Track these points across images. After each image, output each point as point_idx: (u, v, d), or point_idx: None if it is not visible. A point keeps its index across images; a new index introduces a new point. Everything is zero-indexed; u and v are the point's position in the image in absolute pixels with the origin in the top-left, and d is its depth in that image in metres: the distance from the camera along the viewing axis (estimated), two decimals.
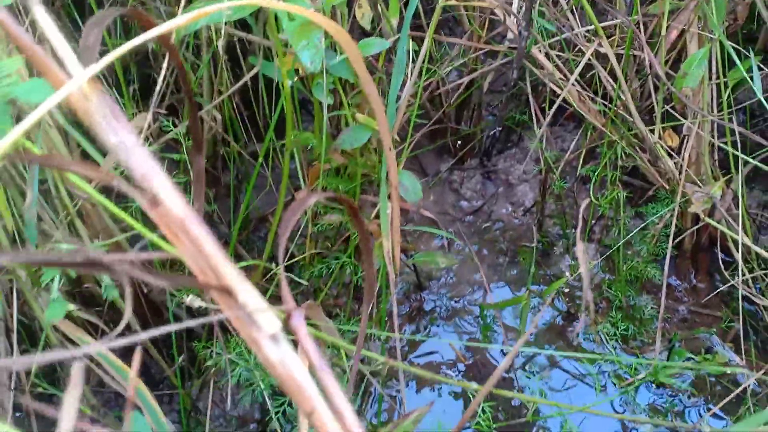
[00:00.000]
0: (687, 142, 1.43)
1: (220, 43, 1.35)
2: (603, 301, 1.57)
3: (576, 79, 1.43)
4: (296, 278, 1.26)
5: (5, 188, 1.05)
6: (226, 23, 1.22)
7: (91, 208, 1.22)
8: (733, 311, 1.53)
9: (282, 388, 0.48)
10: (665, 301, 1.46)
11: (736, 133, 1.38)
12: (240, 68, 1.50)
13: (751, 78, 1.28)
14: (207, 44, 1.33)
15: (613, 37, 1.45)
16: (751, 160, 1.32)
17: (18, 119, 0.84)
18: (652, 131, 1.43)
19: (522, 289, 1.64)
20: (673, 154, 1.46)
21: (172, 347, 1.28)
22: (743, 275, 1.38)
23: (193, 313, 1.29)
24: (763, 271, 1.43)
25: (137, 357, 0.46)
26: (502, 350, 1.53)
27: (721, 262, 1.54)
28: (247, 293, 0.50)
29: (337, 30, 0.93)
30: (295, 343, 0.53)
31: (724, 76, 1.40)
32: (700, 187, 1.41)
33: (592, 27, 1.42)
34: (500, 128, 1.72)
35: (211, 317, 0.50)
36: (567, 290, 1.61)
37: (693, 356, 1.46)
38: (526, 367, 1.53)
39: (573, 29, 1.45)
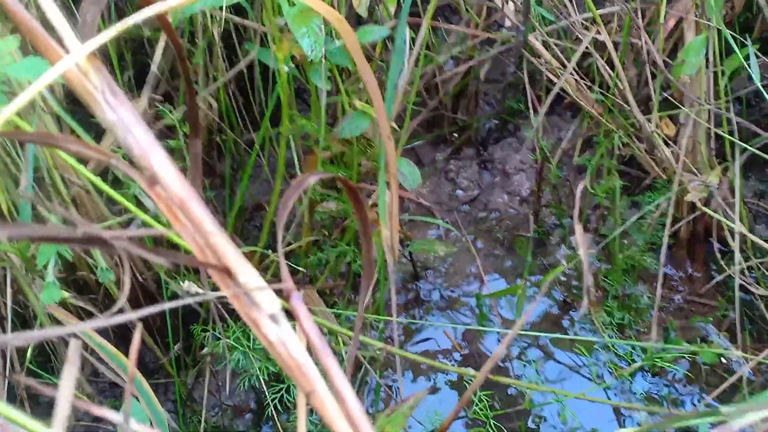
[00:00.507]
0: (684, 130, 1.43)
1: (216, 30, 1.34)
2: (599, 290, 1.57)
3: (573, 68, 1.42)
4: (294, 266, 1.26)
5: None
6: (221, 8, 1.21)
7: (86, 194, 1.21)
8: (729, 300, 1.53)
9: (282, 369, 0.47)
10: (661, 290, 1.46)
11: (734, 122, 1.38)
12: (236, 55, 1.49)
13: (749, 66, 1.28)
14: (202, 31, 1.32)
15: (611, 25, 1.44)
16: (749, 147, 1.32)
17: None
18: (649, 120, 1.42)
19: (518, 279, 1.64)
20: (670, 143, 1.46)
21: (167, 336, 1.27)
22: (737, 263, 1.38)
23: (193, 305, 1.28)
24: (759, 260, 1.44)
25: (137, 336, 0.45)
26: (498, 339, 1.53)
27: (716, 251, 1.54)
28: (247, 273, 0.50)
29: (336, 18, 0.92)
30: (294, 326, 0.52)
31: (721, 65, 1.40)
32: (696, 176, 1.41)
33: (590, 15, 1.42)
34: (493, 125, 1.72)
35: (208, 297, 0.49)
36: (563, 279, 1.61)
37: (689, 345, 1.46)
38: (522, 357, 1.53)
39: (571, 17, 1.44)
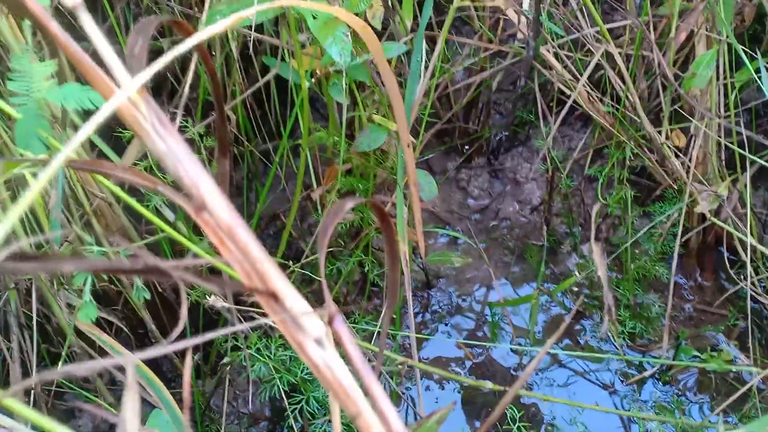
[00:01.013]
0: (694, 142, 1.45)
1: (234, 45, 1.36)
2: (612, 306, 1.58)
3: (585, 81, 1.44)
4: (311, 275, 1.28)
5: (20, 188, 1.06)
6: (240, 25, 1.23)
7: (107, 206, 1.22)
8: (739, 310, 1.55)
9: (328, 391, 0.49)
10: (672, 299, 1.48)
11: (743, 133, 1.40)
12: (252, 67, 1.50)
13: (760, 79, 1.30)
14: (220, 45, 1.34)
15: (622, 38, 1.46)
16: (758, 160, 1.33)
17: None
18: (659, 132, 1.44)
19: (528, 287, 1.66)
20: (680, 154, 1.47)
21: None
22: (744, 270, 1.40)
23: (211, 314, 1.30)
24: (766, 264, 1.46)
25: (189, 361, 0.47)
26: (511, 349, 1.55)
27: (726, 260, 1.55)
28: (293, 297, 0.51)
29: (360, 25, 0.94)
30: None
31: (731, 77, 1.41)
32: (707, 186, 1.43)
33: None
34: (504, 135, 1.74)
35: (259, 321, 0.51)
36: (575, 288, 1.63)
37: (699, 354, 1.48)
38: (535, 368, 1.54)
39: (582, 29, 1.46)
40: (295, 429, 1.27)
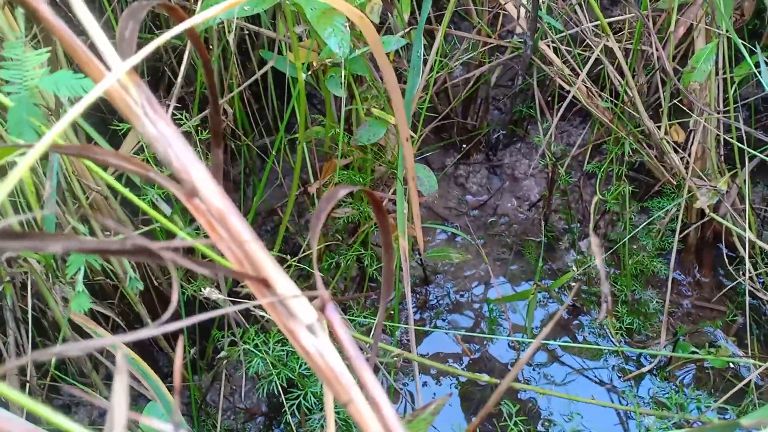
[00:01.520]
0: (693, 137, 1.44)
1: (231, 38, 1.35)
2: (609, 295, 1.58)
3: (585, 77, 1.44)
4: (309, 269, 1.27)
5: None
6: (237, 17, 1.22)
7: (102, 199, 1.22)
8: (737, 306, 1.54)
9: (320, 378, 0.49)
10: (670, 295, 1.47)
11: (742, 128, 1.39)
12: (249, 61, 1.50)
13: (760, 73, 1.29)
14: (217, 38, 1.33)
15: (621, 33, 1.46)
16: (758, 154, 1.33)
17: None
18: (658, 127, 1.44)
19: (526, 284, 1.65)
20: (679, 150, 1.47)
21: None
22: (742, 266, 1.39)
23: (206, 305, 1.30)
24: (764, 259, 1.45)
25: (180, 345, 0.46)
26: (509, 344, 1.54)
27: (725, 256, 1.55)
28: (284, 284, 0.51)
29: (357, 15, 0.93)
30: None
31: (731, 72, 1.41)
32: (705, 181, 1.42)
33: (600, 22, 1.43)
34: (503, 131, 1.73)
35: (245, 305, 0.51)
36: (573, 284, 1.62)
37: (697, 350, 1.47)
38: (531, 361, 1.54)
39: (581, 24, 1.45)
40: (292, 424, 1.26)
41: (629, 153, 1.47)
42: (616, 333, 1.49)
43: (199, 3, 0.99)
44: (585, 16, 1.49)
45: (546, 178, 1.66)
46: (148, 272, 1.30)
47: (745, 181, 1.41)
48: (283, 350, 1.07)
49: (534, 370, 1.52)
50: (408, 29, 1.34)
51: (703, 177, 1.44)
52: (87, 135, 1.33)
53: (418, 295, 1.64)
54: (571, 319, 1.58)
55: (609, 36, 1.35)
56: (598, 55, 1.43)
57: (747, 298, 1.36)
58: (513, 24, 1.57)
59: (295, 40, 1.03)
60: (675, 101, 1.48)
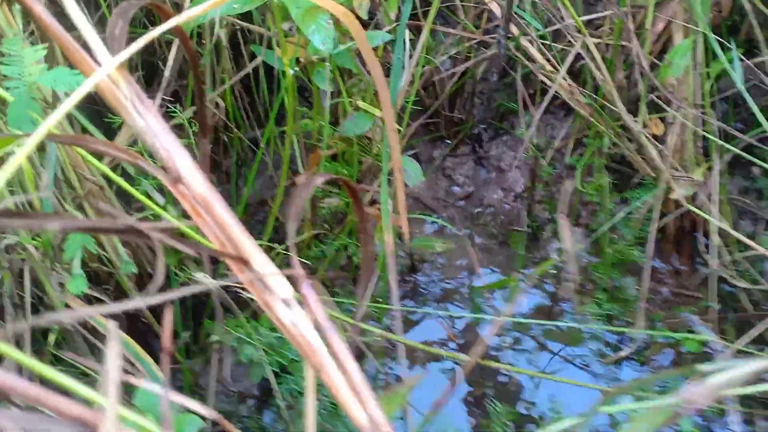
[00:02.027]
0: (671, 130, 1.49)
1: (223, 33, 1.39)
2: (589, 283, 1.63)
3: (565, 74, 1.48)
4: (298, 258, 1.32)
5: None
6: (228, 15, 1.26)
7: (98, 189, 1.26)
8: (717, 294, 1.59)
9: (294, 347, 0.53)
10: (648, 282, 1.52)
11: (717, 122, 1.44)
12: (241, 56, 1.54)
13: (733, 69, 1.34)
14: (210, 33, 1.38)
15: (602, 28, 1.50)
16: (732, 148, 1.38)
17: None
18: (637, 121, 1.48)
19: (512, 272, 1.70)
20: (657, 144, 1.52)
21: (174, 326, 1.33)
22: (721, 258, 1.44)
23: (201, 296, 1.34)
24: (743, 255, 1.50)
25: (168, 316, 0.51)
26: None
27: (702, 245, 1.60)
28: (262, 262, 0.56)
29: (342, 12, 0.97)
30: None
31: (708, 67, 1.45)
32: (683, 173, 1.47)
33: (583, 18, 1.48)
34: (485, 126, 1.78)
35: (225, 283, 0.55)
36: (555, 273, 1.67)
37: (674, 335, 1.53)
38: (515, 347, 1.59)
39: (564, 20, 1.50)
40: (283, 407, 1.31)
41: (609, 146, 1.52)
42: (596, 319, 1.54)
43: (187, 1, 1.04)
44: (568, 11, 1.53)
45: (530, 170, 1.71)
46: (142, 260, 1.35)
47: (716, 171, 1.46)
48: (274, 336, 1.12)
49: (517, 353, 1.57)
50: (395, 25, 1.39)
51: (681, 169, 1.49)
52: (83, 127, 1.37)
53: (405, 284, 1.69)
54: (553, 306, 1.63)
55: (584, 34, 1.40)
56: (579, 51, 1.47)
57: (715, 284, 1.41)
58: (498, 20, 1.61)
59: (282, 35, 1.07)
60: (655, 96, 1.53)
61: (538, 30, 1.49)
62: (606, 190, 1.52)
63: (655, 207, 1.50)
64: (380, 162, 1.34)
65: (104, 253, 1.23)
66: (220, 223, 0.55)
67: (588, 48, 1.46)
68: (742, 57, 1.46)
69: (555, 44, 1.59)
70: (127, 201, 1.42)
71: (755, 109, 1.31)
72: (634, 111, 1.53)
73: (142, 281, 1.38)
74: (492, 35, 1.61)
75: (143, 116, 0.56)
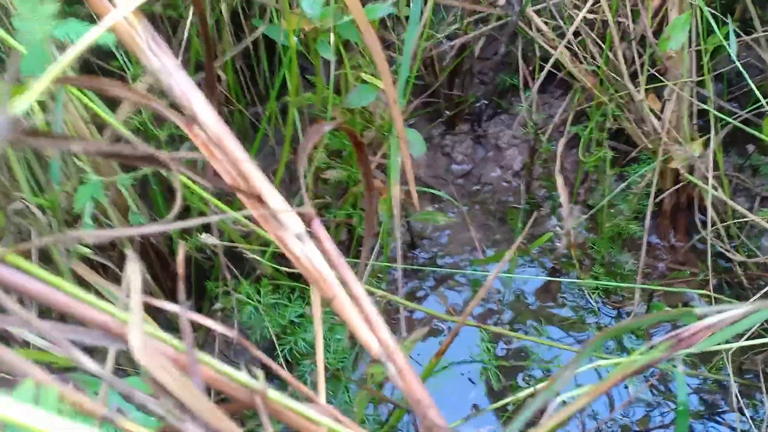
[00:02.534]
0: (668, 105, 1.51)
1: (224, 8, 1.41)
2: (586, 258, 1.65)
3: (568, 42, 1.50)
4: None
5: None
6: None
7: (104, 161, 1.28)
8: (713, 268, 1.61)
9: (307, 279, 0.55)
10: (645, 257, 1.55)
11: (711, 98, 1.46)
12: (242, 31, 1.55)
13: (729, 44, 1.36)
14: (211, 7, 1.39)
15: (598, 4, 1.52)
16: (730, 120, 1.40)
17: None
18: (639, 91, 1.50)
19: (510, 249, 1.72)
20: (658, 114, 1.54)
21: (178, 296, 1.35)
22: (716, 231, 1.46)
23: (199, 259, 1.36)
24: (736, 223, 1.52)
25: (181, 251, 0.52)
26: (493, 303, 1.61)
27: (698, 221, 1.62)
28: (275, 198, 0.57)
29: None
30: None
31: (705, 44, 1.47)
32: (680, 147, 1.49)
33: None
34: (485, 103, 1.79)
35: (230, 215, 0.57)
36: (553, 248, 1.69)
37: (671, 309, 1.55)
38: (515, 321, 1.61)
39: None
40: (285, 367, 1.33)
41: (610, 119, 1.54)
42: (593, 293, 1.56)
43: None
44: None
45: (529, 147, 1.73)
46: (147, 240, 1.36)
47: (711, 146, 1.48)
48: (274, 299, 1.13)
49: (515, 328, 1.60)
50: None
51: (680, 141, 1.51)
52: (84, 105, 1.38)
53: (405, 259, 1.71)
54: (551, 283, 1.65)
55: (585, 7, 1.42)
56: (579, 25, 1.49)
57: (709, 256, 1.43)
58: None
59: (287, 4, 1.09)
60: (653, 71, 1.55)
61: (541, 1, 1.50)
62: (607, 163, 1.54)
63: (652, 181, 1.52)
64: (383, 133, 1.35)
65: (108, 222, 1.24)
66: (233, 160, 0.57)
67: (587, 21, 1.48)
68: (739, 32, 1.48)
69: (555, 22, 1.60)
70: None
71: (751, 84, 1.32)
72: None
73: (145, 251, 1.40)
74: (500, 5, 1.62)
75: (159, 57, 0.57)
